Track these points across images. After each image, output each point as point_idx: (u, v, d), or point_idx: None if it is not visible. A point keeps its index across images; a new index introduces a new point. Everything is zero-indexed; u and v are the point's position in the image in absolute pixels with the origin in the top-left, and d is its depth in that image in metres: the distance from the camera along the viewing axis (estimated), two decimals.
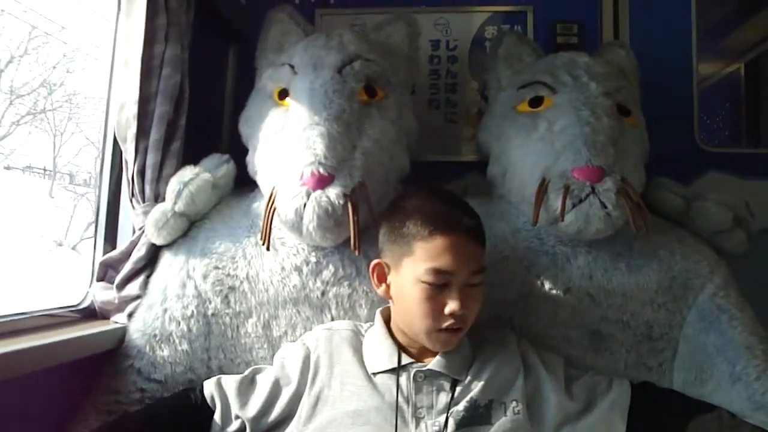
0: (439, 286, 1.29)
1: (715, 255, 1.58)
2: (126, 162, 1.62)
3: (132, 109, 1.58)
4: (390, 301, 1.40)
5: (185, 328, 1.50)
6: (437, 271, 1.28)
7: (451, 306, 1.28)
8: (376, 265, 1.39)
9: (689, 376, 1.47)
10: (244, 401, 1.36)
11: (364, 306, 1.49)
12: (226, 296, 1.52)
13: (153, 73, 1.60)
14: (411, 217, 1.32)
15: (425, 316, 1.30)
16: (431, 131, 2.03)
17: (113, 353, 1.50)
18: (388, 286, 1.38)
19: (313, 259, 1.50)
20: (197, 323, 1.50)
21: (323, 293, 1.50)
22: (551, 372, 1.38)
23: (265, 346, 1.50)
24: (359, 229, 1.39)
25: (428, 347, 1.35)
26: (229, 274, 1.52)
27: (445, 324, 1.30)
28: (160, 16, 1.61)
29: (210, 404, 1.36)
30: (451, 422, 1.30)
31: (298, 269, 1.50)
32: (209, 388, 1.38)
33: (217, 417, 1.35)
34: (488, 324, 1.49)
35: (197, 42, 1.74)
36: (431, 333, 1.32)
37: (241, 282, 1.52)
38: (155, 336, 1.50)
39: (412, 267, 1.30)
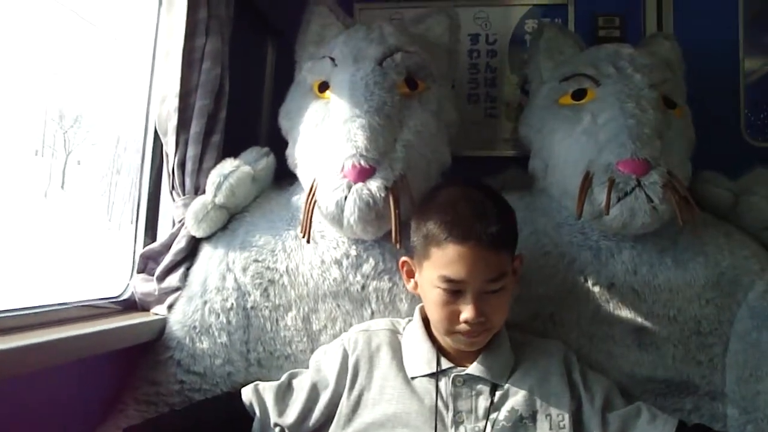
0: (453, 292, 1.26)
1: (764, 251, 1.54)
2: (166, 155, 1.63)
3: (173, 102, 1.59)
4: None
5: (225, 321, 1.50)
6: (448, 280, 1.25)
7: (465, 314, 1.25)
8: (403, 263, 1.38)
9: (743, 373, 1.43)
10: (282, 409, 1.35)
11: (404, 300, 1.48)
12: (266, 289, 1.51)
13: (194, 66, 1.61)
14: (431, 218, 1.28)
15: (443, 320, 1.28)
16: (471, 126, 2.02)
17: (153, 345, 1.51)
18: (415, 284, 1.37)
19: (353, 253, 1.49)
20: (237, 316, 1.50)
21: (363, 287, 1.48)
22: (588, 395, 1.34)
23: (305, 339, 1.50)
24: (401, 223, 1.38)
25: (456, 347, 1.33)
26: (268, 267, 1.52)
27: (463, 330, 1.27)
28: (201, 10, 1.61)
29: (249, 412, 1.36)
30: (493, 431, 1.28)
31: (338, 262, 1.49)
32: (247, 395, 1.38)
33: (256, 425, 1.35)
34: (535, 330, 1.48)
35: (237, 36, 1.74)
36: (451, 335, 1.30)
37: (281, 275, 1.51)
38: (195, 328, 1.50)
39: (429, 271, 1.28)
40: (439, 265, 1.26)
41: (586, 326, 1.48)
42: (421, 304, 1.42)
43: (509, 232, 1.31)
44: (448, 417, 1.30)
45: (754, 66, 2.11)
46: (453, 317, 1.27)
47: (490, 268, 1.26)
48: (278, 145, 1.64)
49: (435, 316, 1.30)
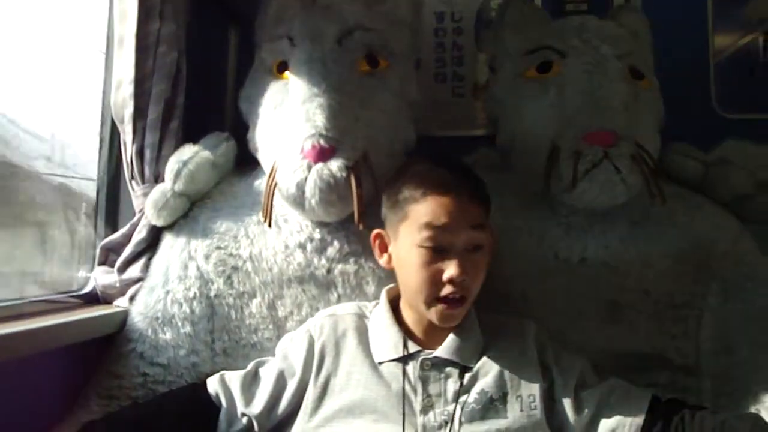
0: (436, 251, 1.23)
1: (736, 221, 1.53)
2: (124, 143, 1.59)
3: (128, 89, 1.55)
4: (394, 273, 1.35)
5: (188, 310, 1.46)
6: (431, 227, 1.22)
7: (450, 271, 1.22)
8: (376, 235, 1.35)
9: (717, 345, 1.42)
10: (249, 398, 1.32)
11: (371, 283, 1.45)
12: (229, 276, 1.48)
13: (149, 51, 1.57)
14: (406, 182, 1.28)
15: (424, 283, 1.24)
16: (438, 105, 1.99)
17: (115, 337, 1.47)
18: (390, 257, 1.33)
19: (317, 236, 1.46)
20: (200, 305, 1.47)
21: (329, 271, 1.45)
22: (561, 374, 1.30)
23: (271, 326, 1.47)
24: (363, 203, 1.35)
25: (432, 321, 1.29)
26: (231, 254, 1.49)
27: (445, 292, 1.24)
28: None
29: (215, 402, 1.32)
30: (462, 414, 1.24)
31: (302, 246, 1.46)
32: (213, 385, 1.34)
33: (222, 416, 1.31)
34: (506, 308, 1.45)
35: (196, 20, 1.70)
36: (432, 303, 1.26)
37: (245, 261, 1.48)
38: (157, 319, 1.46)
39: (409, 232, 1.25)
40: (419, 218, 1.24)
41: (558, 303, 1.46)
42: (387, 287, 1.39)
43: (485, 192, 1.30)
44: (417, 401, 1.26)
45: (724, 38, 2.10)
46: (435, 279, 1.23)
47: (472, 215, 1.24)
48: (243, 130, 1.60)
49: (415, 281, 1.26)
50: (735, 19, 2.22)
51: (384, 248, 1.34)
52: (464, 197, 1.24)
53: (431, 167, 1.29)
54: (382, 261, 1.35)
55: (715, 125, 1.92)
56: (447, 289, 1.24)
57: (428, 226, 1.22)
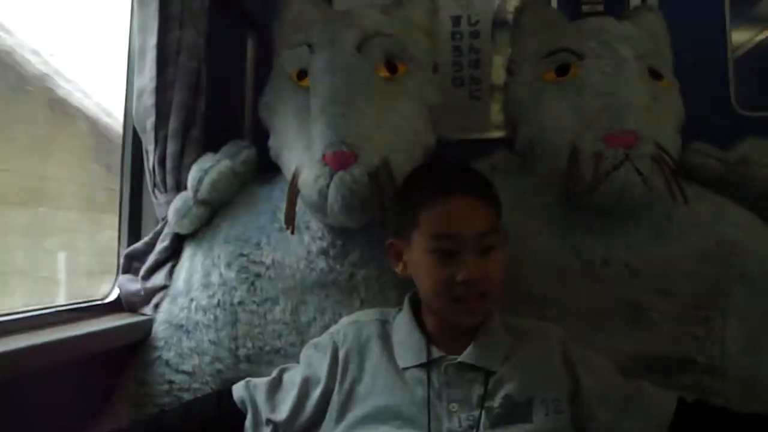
0: (448, 254, 1.22)
1: (759, 220, 1.52)
2: (146, 152, 1.60)
3: (150, 98, 1.57)
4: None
5: (212, 318, 1.48)
6: (440, 236, 1.22)
7: (463, 274, 1.20)
8: (390, 244, 1.34)
9: (742, 346, 1.40)
10: (274, 405, 1.33)
11: (394, 288, 1.45)
12: (252, 283, 1.49)
13: (169, 60, 1.58)
14: (414, 190, 1.29)
15: (439, 288, 1.24)
16: (456, 109, 1.98)
17: (141, 345, 1.49)
18: (405, 265, 1.32)
19: (339, 242, 1.46)
20: (224, 312, 1.48)
21: (351, 276, 1.46)
22: (586, 377, 1.29)
23: (294, 332, 1.47)
24: (386, 208, 1.35)
25: (454, 320, 1.28)
26: (254, 261, 1.50)
27: (460, 294, 1.22)
28: (174, 3, 1.58)
29: (241, 409, 1.34)
30: (487, 419, 1.23)
31: (325, 252, 1.47)
32: (238, 392, 1.35)
33: (248, 423, 1.32)
34: (528, 312, 1.44)
35: (215, 29, 1.71)
36: (450, 306, 1.25)
37: (267, 268, 1.49)
38: (181, 326, 1.48)
39: (420, 239, 1.25)
40: (428, 225, 1.23)
41: (580, 305, 1.45)
42: (409, 293, 1.39)
43: (493, 191, 1.29)
44: (441, 407, 1.25)
45: (742, 35, 2.09)
46: (449, 282, 1.22)
47: (481, 219, 1.23)
48: (263, 137, 1.61)
49: (430, 286, 1.26)
50: (752, 15, 2.20)
51: (398, 257, 1.33)
52: (472, 201, 1.24)
53: (437, 173, 1.31)
54: (398, 269, 1.34)
55: (735, 123, 1.91)
56: (461, 291, 1.23)
57: (437, 231, 1.22)
